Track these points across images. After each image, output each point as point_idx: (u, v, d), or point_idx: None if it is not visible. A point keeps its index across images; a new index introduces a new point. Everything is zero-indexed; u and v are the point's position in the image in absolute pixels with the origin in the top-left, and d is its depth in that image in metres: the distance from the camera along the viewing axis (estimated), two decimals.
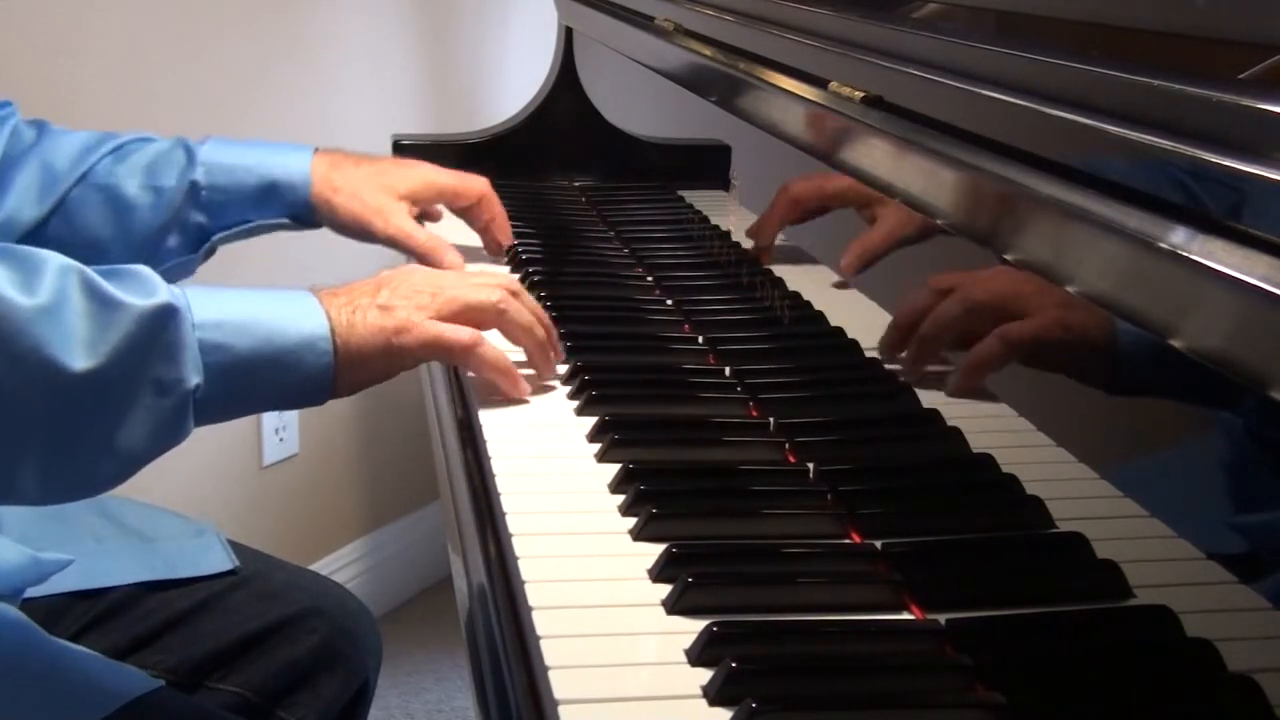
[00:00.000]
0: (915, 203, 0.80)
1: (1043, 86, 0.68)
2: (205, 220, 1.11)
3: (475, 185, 1.21)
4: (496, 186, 1.55)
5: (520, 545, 0.73)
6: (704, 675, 0.60)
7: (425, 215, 1.24)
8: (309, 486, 2.13)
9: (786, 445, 0.85)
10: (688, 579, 0.67)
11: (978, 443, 0.77)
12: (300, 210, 1.13)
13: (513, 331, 0.93)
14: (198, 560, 1.12)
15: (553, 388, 0.96)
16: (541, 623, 0.65)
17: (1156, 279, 0.56)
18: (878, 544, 0.72)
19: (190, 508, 1.20)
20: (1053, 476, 0.71)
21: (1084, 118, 0.63)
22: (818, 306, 0.99)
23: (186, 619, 1.08)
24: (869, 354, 0.91)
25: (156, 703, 0.92)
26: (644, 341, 1.07)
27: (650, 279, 1.21)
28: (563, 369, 0.98)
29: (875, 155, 0.86)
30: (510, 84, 2.31)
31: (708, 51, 1.19)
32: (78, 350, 0.75)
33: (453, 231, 1.24)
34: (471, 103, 2.34)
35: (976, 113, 0.74)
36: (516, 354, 0.95)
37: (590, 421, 0.89)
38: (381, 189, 1.14)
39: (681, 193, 1.39)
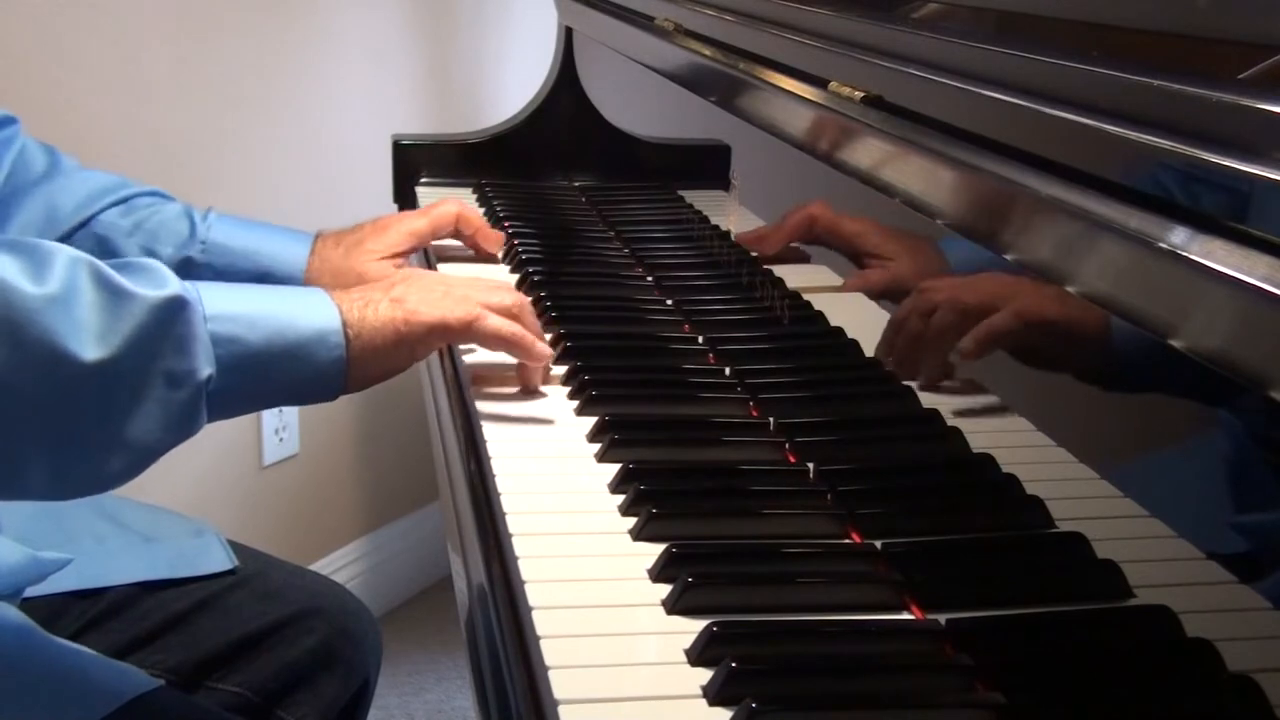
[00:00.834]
0: (915, 203, 0.80)
1: (1043, 86, 0.68)
2: None
3: (445, 213, 1.23)
4: (496, 186, 1.56)
5: (520, 545, 0.73)
6: (704, 675, 0.60)
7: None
8: (309, 486, 2.13)
9: (786, 445, 0.85)
10: (688, 579, 0.67)
11: (978, 443, 0.77)
12: None
13: (502, 342, 0.93)
14: (197, 560, 1.12)
15: (554, 389, 0.96)
16: (541, 623, 0.65)
17: (1156, 279, 0.56)
18: (878, 544, 0.72)
19: (190, 508, 1.20)
20: (1053, 476, 0.71)
21: (1084, 118, 0.63)
22: (818, 306, 0.99)
23: (186, 619, 1.08)
24: (869, 354, 0.91)
25: (156, 702, 0.92)
26: (644, 341, 1.07)
27: (650, 279, 1.21)
28: (563, 369, 0.98)
29: (875, 155, 0.86)
30: (510, 84, 2.32)
31: (708, 51, 1.19)
32: (88, 340, 0.75)
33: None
34: (471, 103, 2.34)
35: (976, 113, 0.74)
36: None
37: (590, 421, 0.89)
38: (359, 257, 1.15)
39: (681, 193, 1.39)
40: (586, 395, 0.92)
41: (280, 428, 2.03)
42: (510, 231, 1.36)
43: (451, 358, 1.02)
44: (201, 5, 1.80)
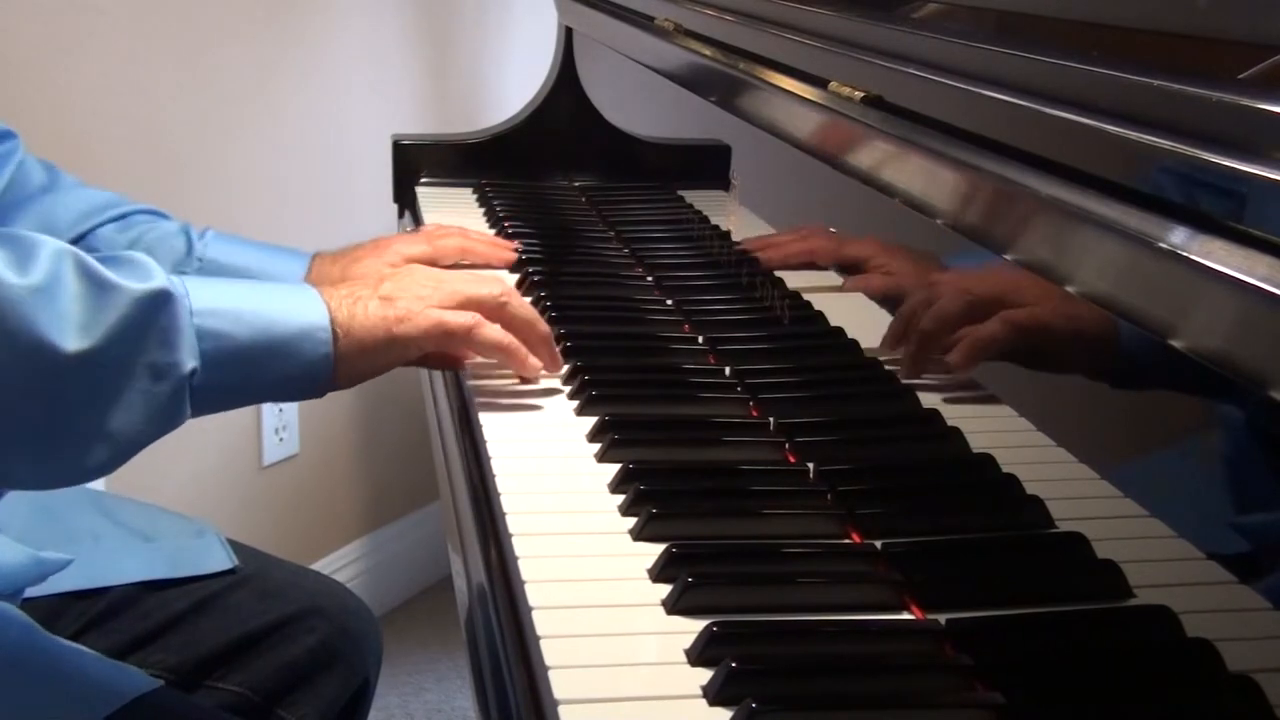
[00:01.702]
0: (915, 203, 0.80)
1: (1043, 86, 0.68)
2: None
3: (447, 247, 1.21)
4: (496, 186, 1.56)
5: (520, 545, 0.73)
6: (704, 675, 0.60)
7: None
8: (309, 486, 2.13)
9: (786, 445, 0.85)
10: (688, 579, 0.67)
11: (978, 443, 0.77)
12: None
13: (515, 324, 0.93)
14: (197, 560, 1.12)
15: (554, 389, 0.96)
16: (541, 623, 0.65)
17: (1156, 279, 0.56)
18: (878, 544, 0.72)
19: (190, 508, 1.20)
20: (1053, 476, 0.71)
21: (1084, 118, 0.63)
22: (818, 306, 0.99)
23: (186, 618, 1.08)
24: (869, 354, 0.91)
25: (157, 702, 0.92)
26: (644, 341, 1.07)
27: (650, 279, 1.21)
28: (564, 369, 0.98)
29: (875, 155, 0.86)
30: (510, 84, 2.32)
31: (708, 51, 1.19)
32: (71, 331, 0.75)
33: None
34: (472, 103, 2.34)
35: (976, 113, 0.74)
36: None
37: (590, 421, 0.89)
38: (383, 254, 1.15)
39: (681, 193, 1.39)
40: (586, 395, 0.92)
41: (280, 428, 2.03)
42: (510, 232, 1.36)
43: None
44: (203, 7, 1.80)
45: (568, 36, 1.70)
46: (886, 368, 0.87)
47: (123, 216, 1.13)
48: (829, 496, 0.78)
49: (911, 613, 0.67)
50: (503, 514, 0.77)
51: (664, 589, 0.68)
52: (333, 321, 0.85)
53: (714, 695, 0.59)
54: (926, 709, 0.60)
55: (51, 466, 0.79)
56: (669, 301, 1.15)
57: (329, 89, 2.04)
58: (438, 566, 2.34)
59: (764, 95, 1.05)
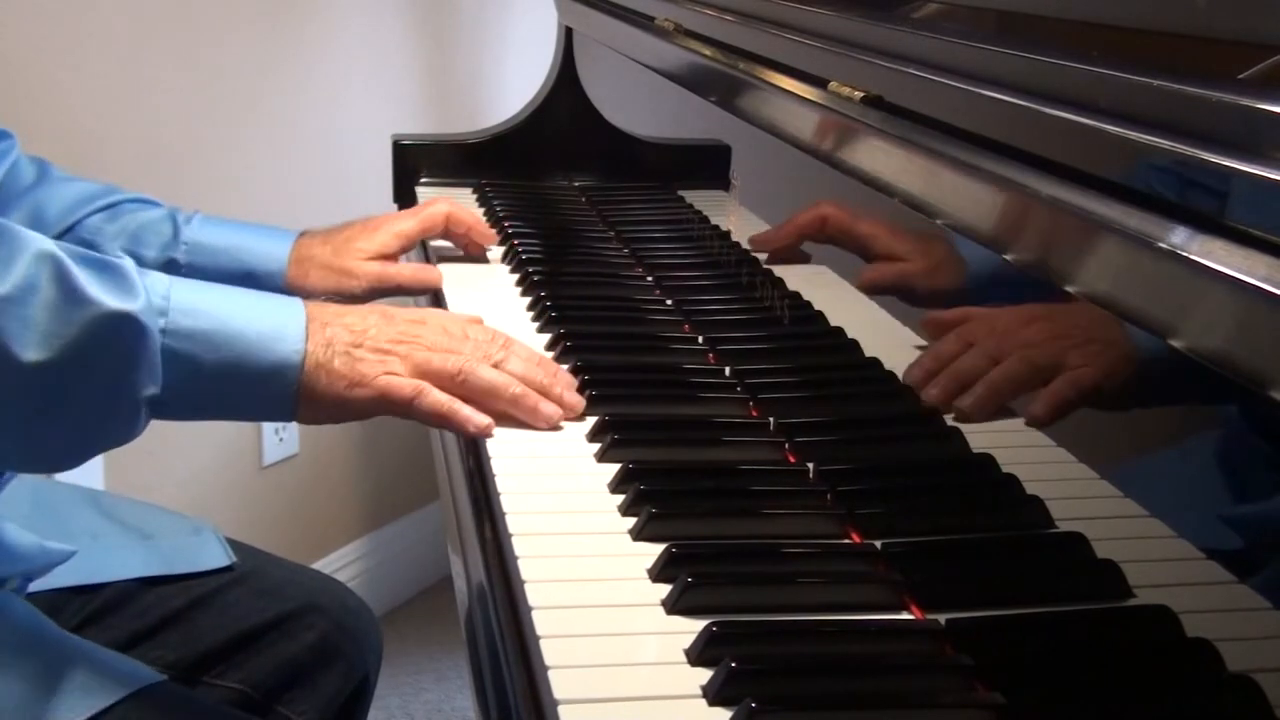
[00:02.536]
0: (915, 203, 0.80)
1: (1043, 86, 0.68)
2: None
3: (434, 214, 1.24)
4: (496, 186, 1.56)
5: (520, 545, 0.73)
6: (704, 675, 0.60)
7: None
8: (309, 486, 2.13)
9: (786, 445, 0.85)
10: (688, 579, 0.67)
11: (978, 443, 0.77)
12: (279, 293, 1.12)
13: (475, 398, 0.89)
14: (195, 556, 1.12)
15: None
16: (541, 623, 0.65)
17: (1156, 279, 0.56)
18: (878, 544, 0.72)
19: (190, 507, 1.20)
20: (1053, 476, 0.71)
21: (1084, 118, 0.63)
22: (818, 306, 0.99)
23: (185, 615, 1.08)
24: (869, 354, 0.91)
25: (160, 695, 0.92)
26: (644, 341, 1.07)
27: (650, 279, 1.21)
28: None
29: (875, 155, 0.86)
30: (510, 84, 2.32)
31: (708, 51, 1.19)
32: (32, 341, 0.75)
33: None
34: (472, 103, 2.34)
35: (976, 113, 0.74)
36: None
37: (590, 421, 0.89)
38: (349, 255, 1.16)
39: (681, 193, 1.39)
40: (586, 395, 0.92)
41: (280, 428, 2.03)
42: (510, 231, 1.36)
43: None
44: (203, 7, 1.80)
45: (568, 36, 1.70)
46: (886, 368, 0.87)
47: (111, 206, 1.14)
48: (829, 496, 0.77)
49: (911, 613, 0.67)
50: (503, 514, 0.77)
51: (664, 589, 0.68)
52: (303, 365, 0.85)
53: (714, 695, 0.59)
54: (926, 709, 0.60)
55: (8, 459, 0.82)
56: (669, 301, 1.15)
57: (329, 89, 2.04)
58: (438, 566, 2.34)
59: (764, 95, 1.05)
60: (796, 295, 1.02)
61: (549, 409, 0.89)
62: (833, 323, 0.97)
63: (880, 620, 0.67)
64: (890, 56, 0.86)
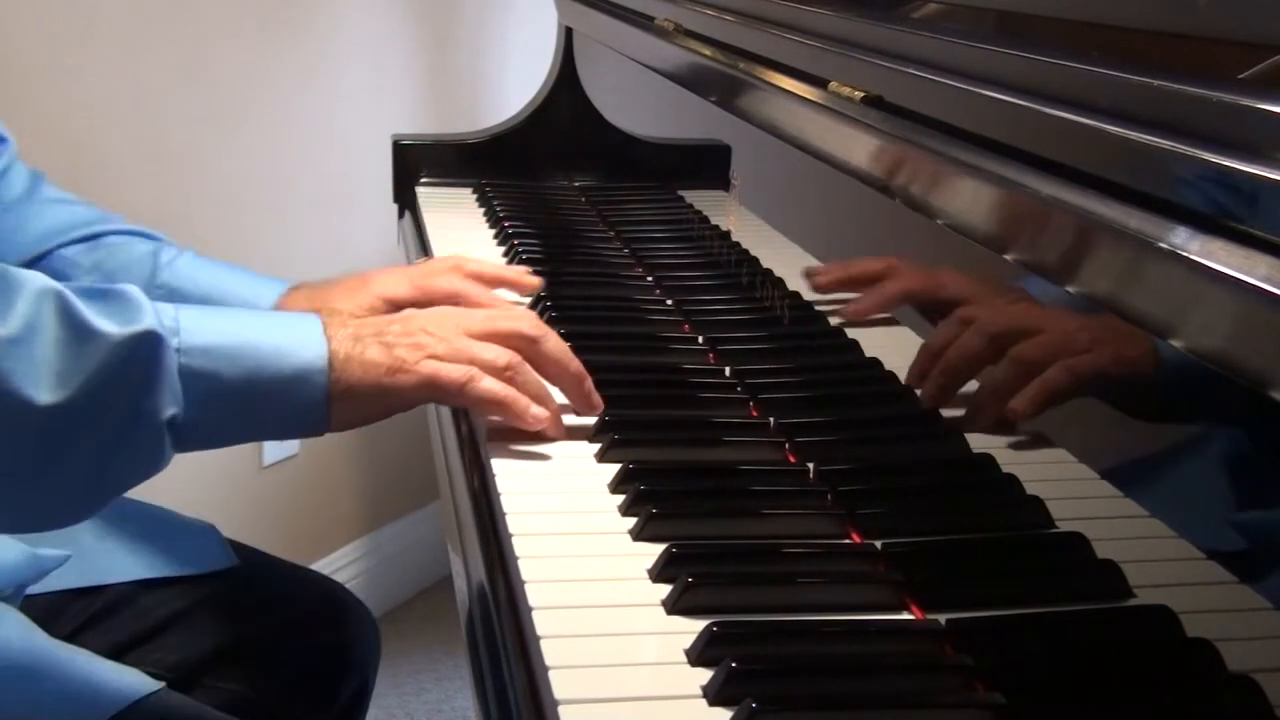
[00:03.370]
0: (915, 203, 0.80)
1: (1043, 86, 0.68)
2: None
3: (439, 290, 1.06)
4: (496, 186, 1.56)
5: (520, 545, 0.73)
6: (704, 675, 0.60)
7: None
8: (309, 486, 2.13)
9: (786, 445, 0.85)
10: (688, 579, 0.67)
11: (978, 443, 0.77)
12: None
13: (545, 366, 0.87)
14: (197, 558, 1.12)
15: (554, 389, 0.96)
16: (541, 623, 0.65)
17: (1156, 279, 0.56)
18: (878, 544, 0.72)
19: (190, 508, 1.20)
20: (1053, 476, 0.71)
21: (1084, 118, 0.63)
22: (818, 308, 0.99)
23: (185, 617, 1.08)
24: (869, 354, 0.91)
25: (158, 703, 0.92)
26: (644, 341, 1.07)
27: (650, 279, 1.21)
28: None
29: (875, 155, 0.86)
30: (510, 84, 2.32)
31: (708, 51, 1.19)
32: (45, 382, 0.72)
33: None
34: (471, 103, 2.34)
35: (976, 113, 0.74)
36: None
37: (590, 421, 0.89)
38: (357, 294, 1.06)
39: (681, 193, 1.39)
40: None
41: None
42: (510, 231, 1.36)
43: None
44: (203, 8, 1.80)
45: (568, 36, 1.70)
46: (886, 369, 0.87)
47: (94, 237, 1.09)
48: (829, 496, 0.77)
49: (911, 613, 0.67)
50: (503, 514, 0.77)
51: (664, 589, 0.68)
52: (330, 364, 0.80)
53: (714, 695, 0.59)
54: (926, 709, 0.60)
55: (26, 517, 0.76)
56: (669, 301, 1.15)
57: (329, 89, 2.04)
58: (438, 566, 2.34)
59: (764, 95, 1.05)
60: (796, 295, 1.02)
61: (595, 400, 0.89)
62: (833, 323, 0.97)
63: (880, 620, 0.66)
64: (890, 56, 0.86)
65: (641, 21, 1.40)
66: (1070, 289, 0.63)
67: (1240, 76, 0.57)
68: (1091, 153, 0.63)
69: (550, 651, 0.62)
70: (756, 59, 1.09)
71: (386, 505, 2.31)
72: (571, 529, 0.76)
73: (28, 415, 0.71)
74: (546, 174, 1.64)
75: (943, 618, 0.65)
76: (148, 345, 0.75)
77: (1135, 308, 0.58)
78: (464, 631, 0.76)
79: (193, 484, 1.87)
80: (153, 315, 0.76)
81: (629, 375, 0.98)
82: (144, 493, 1.19)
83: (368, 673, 1.18)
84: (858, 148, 0.88)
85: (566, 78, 1.69)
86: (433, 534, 2.33)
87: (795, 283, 1.04)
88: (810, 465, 0.82)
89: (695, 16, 1.26)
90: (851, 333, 0.94)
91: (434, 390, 0.83)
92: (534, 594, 0.67)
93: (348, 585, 1.35)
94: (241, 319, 0.82)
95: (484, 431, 0.88)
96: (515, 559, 0.71)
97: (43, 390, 0.72)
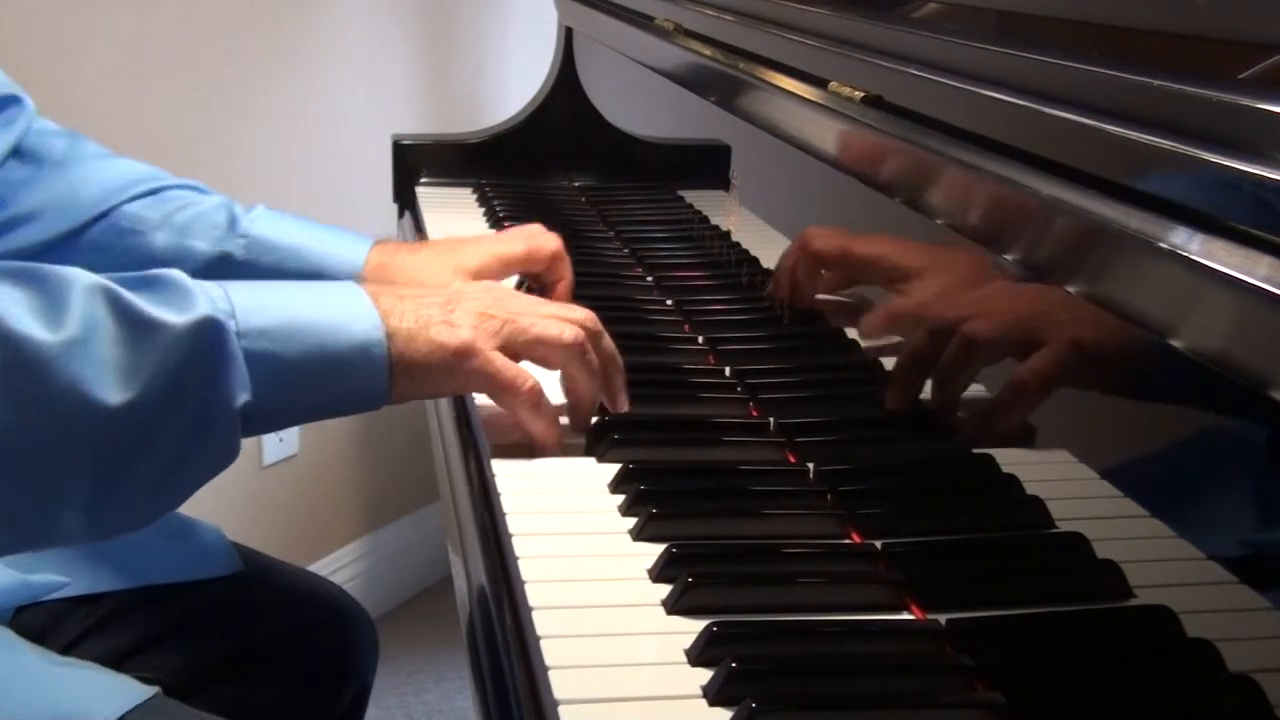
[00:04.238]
0: (915, 203, 0.80)
1: (1043, 86, 0.68)
2: None
3: (544, 247, 1.08)
4: (496, 186, 1.56)
5: (520, 545, 0.73)
6: (704, 675, 0.60)
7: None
8: (309, 486, 2.13)
9: (786, 445, 0.85)
10: (688, 579, 0.67)
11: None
12: None
13: (578, 378, 0.85)
14: (199, 564, 1.11)
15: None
16: (541, 623, 0.65)
17: (1156, 279, 0.56)
18: (878, 544, 0.72)
19: (190, 508, 1.19)
20: (1053, 476, 0.71)
21: (1084, 118, 0.63)
22: (818, 308, 0.99)
23: (186, 623, 1.07)
24: (869, 354, 0.91)
25: (153, 710, 0.91)
26: (644, 341, 1.06)
27: (650, 279, 1.21)
28: None
29: (875, 155, 0.86)
30: (510, 84, 2.32)
31: (708, 51, 1.19)
32: (112, 381, 0.68)
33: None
34: (472, 102, 2.34)
35: (976, 113, 0.74)
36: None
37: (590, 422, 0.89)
38: (445, 269, 1.03)
39: (681, 193, 1.39)
40: None
41: None
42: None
43: None
44: (203, 8, 1.81)
45: (568, 36, 1.70)
46: (886, 368, 0.87)
47: (156, 190, 1.05)
48: (829, 497, 0.77)
49: (911, 613, 0.67)
50: (503, 514, 0.76)
51: (664, 589, 0.68)
52: (388, 337, 0.77)
53: (714, 695, 0.59)
54: (926, 709, 0.60)
55: (106, 521, 0.72)
56: (669, 301, 1.14)
57: (329, 89, 2.04)
58: (438, 566, 2.34)
59: (764, 95, 1.05)
60: None
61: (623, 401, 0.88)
62: (832, 323, 0.97)
63: (880, 620, 0.66)
64: (890, 56, 0.86)
65: (641, 21, 1.40)
66: (1070, 289, 0.63)
67: (1240, 76, 0.57)
68: (1091, 153, 0.63)
69: (550, 651, 0.62)
70: (756, 59, 1.09)
71: (386, 505, 2.31)
72: (571, 529, 0.75)
73: (102, 419, 0.68)
74: (546, 174, 1.64)
75: (943, 618, 0.65)
76: (210, 332, 0.71)
77: (1135, 308, 0.58)
78: (464, 631, 0.76)
79: None
80: (205, 299, 0.72)
81: (629, 375, 0.98)
82: None
83: (366, 676, 1.18)
84: (858, 148, 0.88)
85: (566, 78, 1.69)
86: (432, 534, 2.33)
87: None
88: (810, 465, 0.82)
89: (695, 16, 1.26)
90: (851, 333, 0.94)
91: (492, 385, 0.81)
92: (534, 594, 0.67)
93: (347, 585, 1.35)
94: (291, 294, 0.77)
95: (484, 431, 0.88)
96: (515, 559, 0.71)
97: (110, 390, 0.67)
